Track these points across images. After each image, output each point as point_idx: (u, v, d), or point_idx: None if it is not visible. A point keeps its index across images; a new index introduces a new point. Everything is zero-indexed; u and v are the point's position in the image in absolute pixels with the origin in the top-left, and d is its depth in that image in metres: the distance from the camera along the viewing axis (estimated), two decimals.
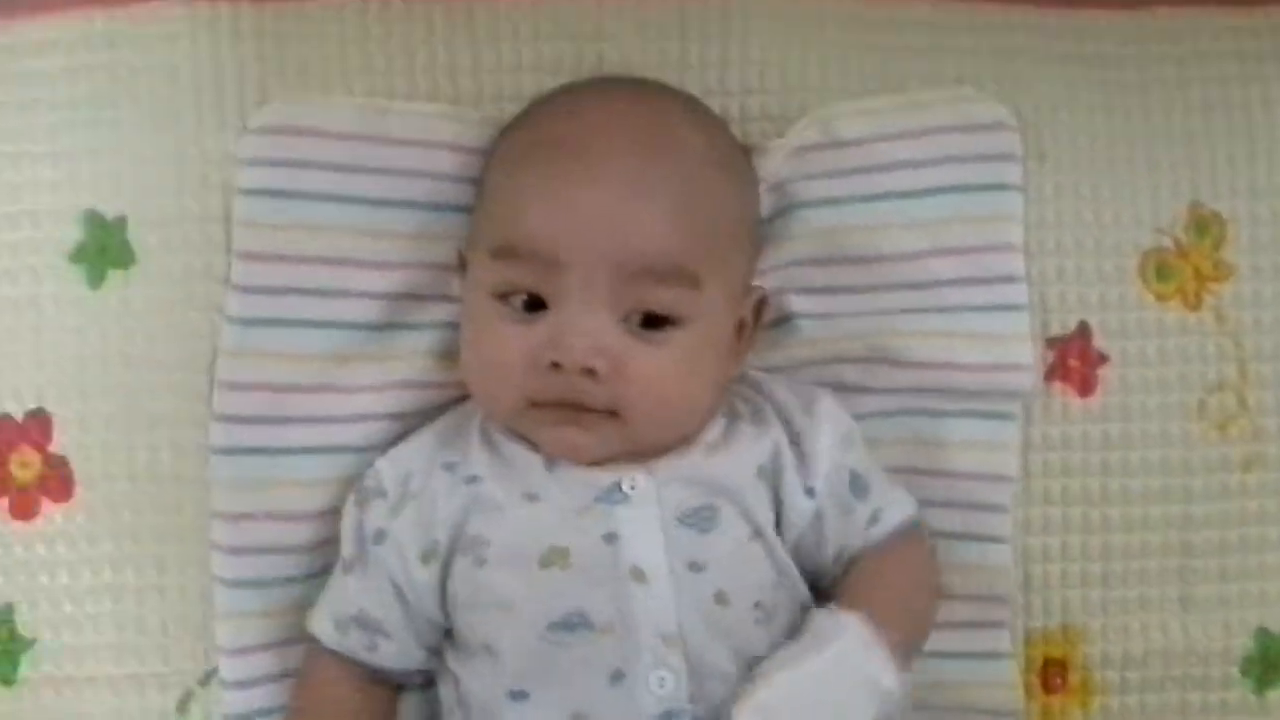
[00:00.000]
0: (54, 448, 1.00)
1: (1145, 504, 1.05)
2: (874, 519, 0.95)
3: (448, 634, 0.93)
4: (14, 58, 1.00)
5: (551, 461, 0.91)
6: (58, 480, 1.00)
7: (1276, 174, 1.06)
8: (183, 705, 1.01)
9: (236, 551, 0.98)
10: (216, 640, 0.99)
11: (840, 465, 0.94)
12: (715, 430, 0.94)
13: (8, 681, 1.00)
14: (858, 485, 0.95)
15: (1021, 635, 1.05)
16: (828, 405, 0.96)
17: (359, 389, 0.99)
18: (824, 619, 0.89)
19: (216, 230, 0.99)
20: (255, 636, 0.98)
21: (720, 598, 0.88)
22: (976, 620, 1.03)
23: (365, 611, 0.92)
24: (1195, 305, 1.06)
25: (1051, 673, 1.05)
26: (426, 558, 0.91)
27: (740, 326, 0.95)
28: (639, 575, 0.87)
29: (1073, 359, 1.05)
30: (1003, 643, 1.04)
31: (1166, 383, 1.05)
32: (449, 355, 0.99)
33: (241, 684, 0.98)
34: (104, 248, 0.99)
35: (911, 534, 0.97)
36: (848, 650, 0.86)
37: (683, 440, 0.92)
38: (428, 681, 0.97)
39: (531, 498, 0.90)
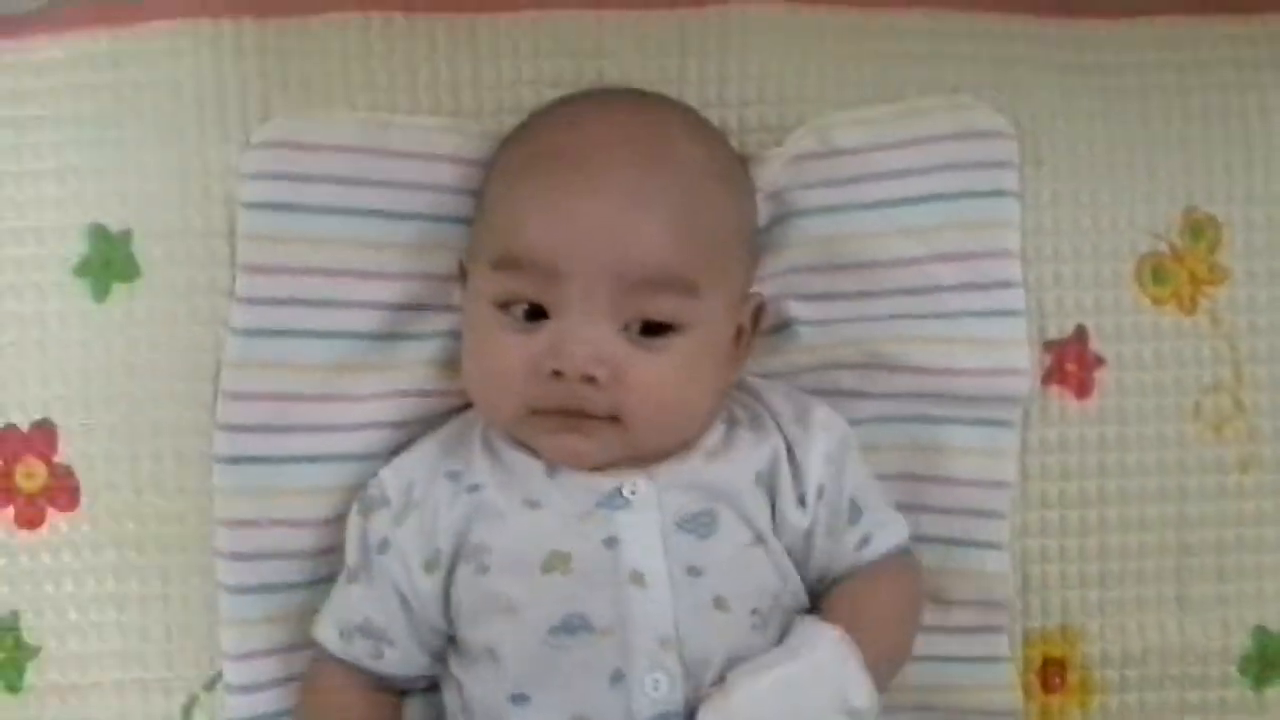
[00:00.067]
0: (59, 458, 1.00)
1: (1142, 505, 1.06)
2: (864, 542, 0.95)
3: (451, 640, 0.93)
4: (19, 76, 1.00)
5: (552, 468, 0.91)
6: (63, 490, 1.00)
7: (1272, 179, 1.07)
8: (187, 710, 1.01)
9: (240, 558, 0.98)
10: (221, 646, 0.99)
11: (835, 486, 0.95)
12: (715, 436, 0.95)
13: (13, 689, 1.01)
14: (852, 509, 0.95)
15: (1020, 635, 1.05)
16: (821, 416, 0.96)
17: (362, 398, 0.99)
18: (805, 628, 0.89)
19: (220, 244, 1.00)
20: (259, 642, 0.99)
21: (719, 603, 0.89)
22: (975, 625, 1.03)
23: (370, 620, 0.93)
24: (1191, 309, 1.06)
25: (1051, 672, 1.06)
26: (430, 566, 0.91)
27: (739, 333, 0.95)
28: (638, 579, 0.88)
29: (1070, 362, 1.05)
30: (1001, 647, 1.04)
31: (1163, 385, 1.06)
32: (450, 364, 1.00)
33: (246, 689, 0.99)
34: (109, 261, 1.00)
35: (901, 560, 0.97)
36: (822, 662, 0.87)
37: (683, 446, 0.93)
38: (432, 685, 0.97)
39: (533, 505, 0.91)
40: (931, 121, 1.03)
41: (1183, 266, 1.06)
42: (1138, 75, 1.07)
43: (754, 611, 0.90)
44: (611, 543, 0.89)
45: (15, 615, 1.01)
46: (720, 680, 0.86)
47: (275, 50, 1.00)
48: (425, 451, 0.96)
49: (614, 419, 0.89)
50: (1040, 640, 1.06)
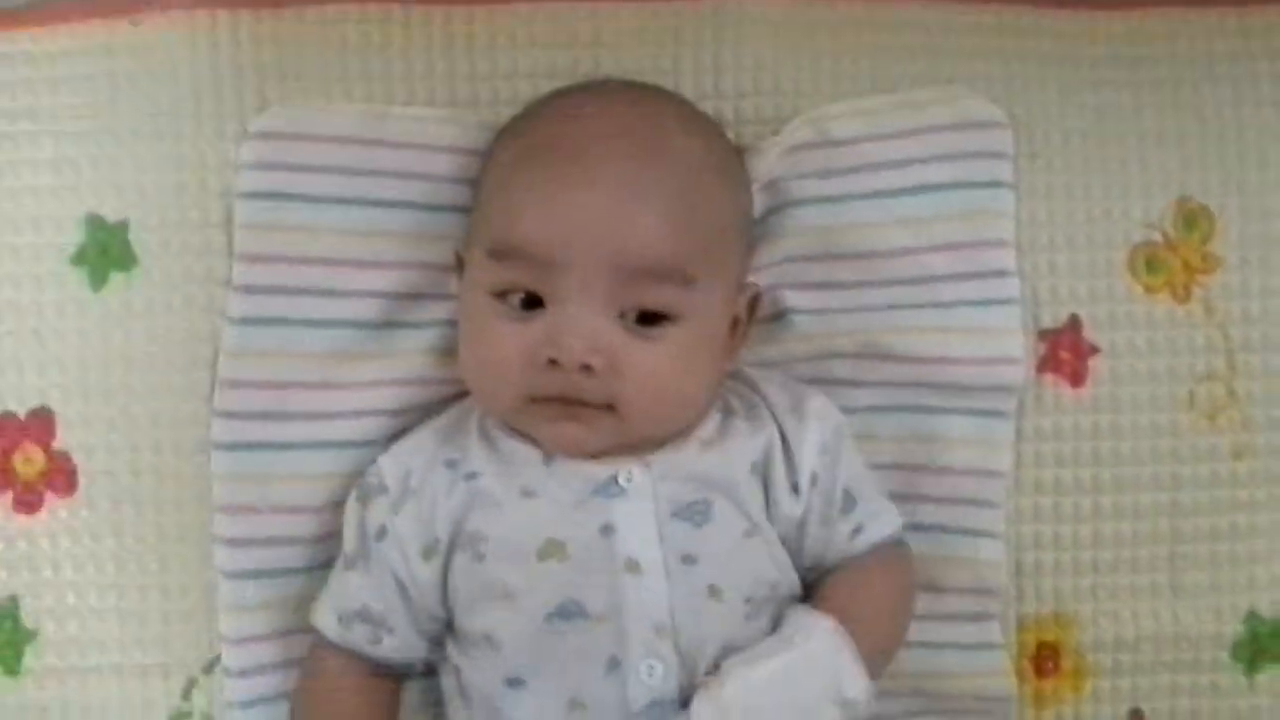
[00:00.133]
0: (57, 444, 1.01)
1: (1136, 492, 1.06)
2: (857, 531, 0.96)
3: (449, 626, 0.94)
4: (15, 66, 1.01)
5: (549, 456, 0.92)
6: (61, 475, 1.01)
7: (1265, 169, 1.07)
8: (186, 694, 1.02)
9: (238, 544, 0.99)
10: (219, 630, 1.00)
11: (829, 475, 0.95)
12: (710, 426, 0.95)
13: (12, 672, 1.01)
14: (846, 499, 0.95)
15: (1014, 621, 1.06)
16: (816, 405, 0.97)
17: (359, 386, 1.00)
18: (799, 617, 0.90)
19: (216, 234, 1.00)
20: (257, 626, 0.99)
21: (714, 591, 0.89)
22: (969, 612, 1.04)
23: (368, 606, 0.93)
24: (1184, 298, 1.06)
25: (1044, 657, 1.06)
26: (428, 554, 0.92)
27: (734, 323, 0.96)
28: (633, 567, 0.88)
29: (1064, 351, 1.05)
30: (995, 634, 1.04)
31: (1156, 374, 1.06)
32: (447, 352, 1.00)
33: (244, 673, 0.99)
34: (105, 250, 1.00)
35: (894, 550, 0.98)
36: (816, 653, 0.87)
37: (678, 435, 0.93)
38: (429, 670, 0.98)
39: (529, 494, 0.91)
40: (927, 112, 1.03)
41: (1176, 256, 1.06)
42: (1132, 67, 1.07)
43: (748, 600, 0.90)
44: (607, 531, 0.89)
45: (14, 599, 1.01)
46: (714, 669, 0.87)
47: (272, 40, 1.00)
48: (423, 440, 0.97)
49: (610, 408, 0.89)
50: (1034, 626, 1.06)
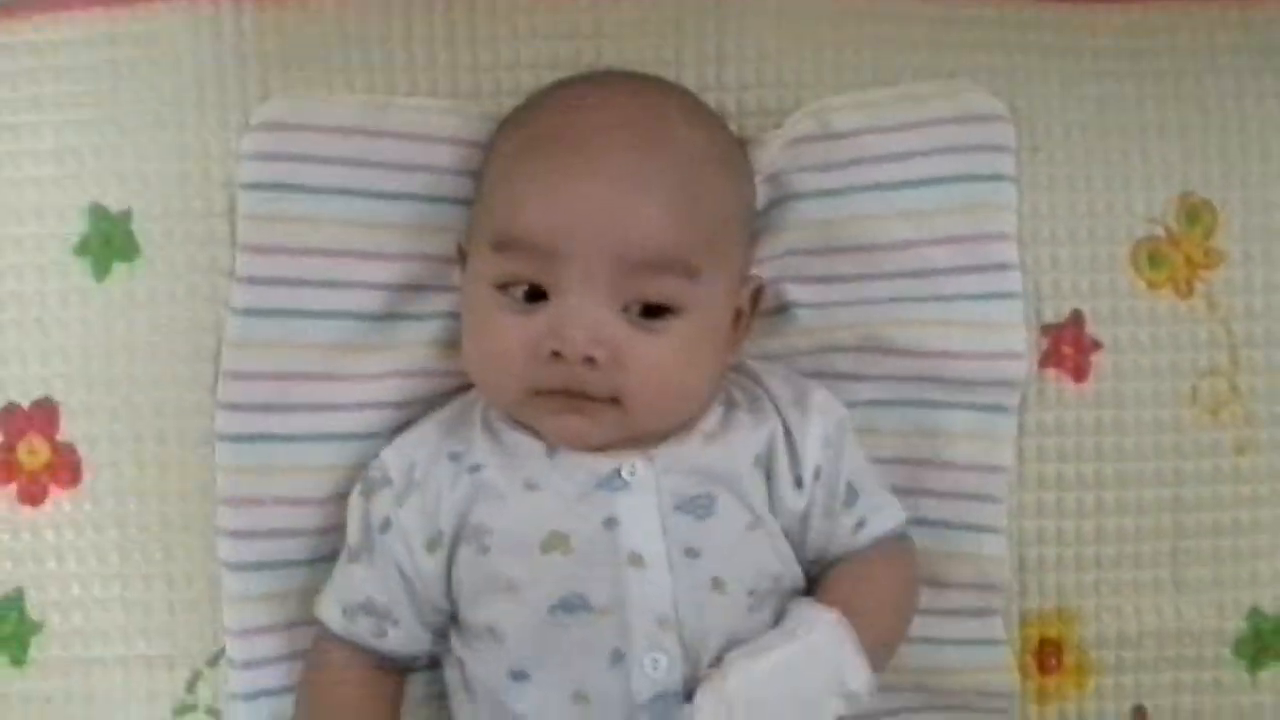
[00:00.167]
0: (61, 436, 1.01)
1: (1139, 488, 1.06)
2: (860, 525, 0.96)
3: (453, 619, 0.94)
4: (19, 55, 1.01)
5: (552, 449, 0.92)
6: (65, 467, 1.01)
7: (1267, 164, 1.07)
8: (191, 685, 1.02)
9: (242, 535, 0.99)
10: (224, 622, 1.00)
11: (832, 469, 0.95)
12: (713, 419, 0.95)
13: (18, 663, 1.02)
14: (849, 492, 0.95)
15: (1017, 616, 1.06)
16: (819, 399, 0.97)
17: (362, 378, 1.00)
18: (802, 610, 0.90)
19: (219, 224, 1.00)
20: (261, 618, 1.00)
21: (717, 584, 0.89)
22: (972, 608, 1.04)
23: (372, 599, 0.93)
24: (1187, 293, 1.06)
25: (1047, 653, 1.07)
26: (432, 546, 0.92)
27: (737, 315, 0.96)
28: (637, 560, 0.88)
29: (1066, 346, 1.05)
30: (997, 629, 1.04)
31: (1159, 369, 1.06)
32: (450, 344, 1.00)
33: (248, 664, 1.00)
34: (109, 240, 1.01)
35: (897, 544, 0.98)
36: (819, 645, 0.87)
37: (681, 428, 0.93)
38: (433, 663, 0.98)
39: (532, 486, 0.91)
40: (929, 105, 1.03)
41: (1179, 251, 1.06)
42: (1134, 60, 1.07)
43: (751, 593, 0.90)
44: (610, 524, 0.89)
45: (19, 591, 1.02)
46: (718, 662, 0.87)
47: (274, 32, 1.01)
48: (426, 432, 0.97)
49: (614, 400, 0.89)
50: (1037, 621, 1.06)
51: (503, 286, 0.90)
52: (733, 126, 1.01)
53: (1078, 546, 1.06)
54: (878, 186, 1.02)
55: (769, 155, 1.01)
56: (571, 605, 0.88)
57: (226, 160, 1.00)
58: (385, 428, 0.99)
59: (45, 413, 1.01)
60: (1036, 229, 1.05)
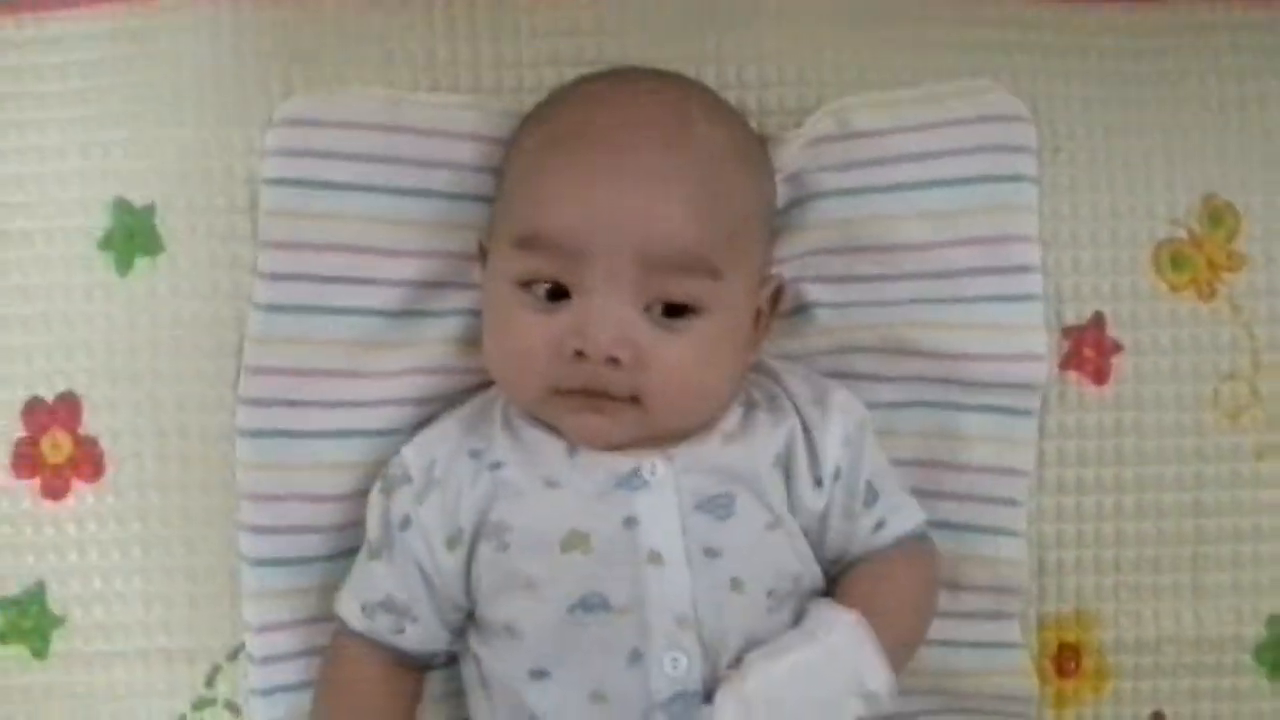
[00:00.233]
0: (84, 430, 1.02)
1: (1159, 492, 1.05)
2: (879, 525, 0.96)
3: (470, 616, 0.94)
4: (45, 51, 1.02)
5: (572, 448, 0.92)
6: (88, 461, 1.02)
7: None
8: (210, 680, 1.03)
9: (262, 531, 0.99)
10: (243, 617, 1.00)
11: (852, 469, 0.95)
12: (733, 419, 0.95)
13: (39, 655, 1.02)
14: (869, 492, 0.95)
15: (1035, 620, 1.05)
16: (839, 399, 0.97)
17: (383, 374, 1.00)
18: (821, 612, 0.90)
19: (242, 220, 1.01)
20: (280, 614, 1.00)
21: (736, 584, 0.89)
22: (990, 611, 1.03)
23: (392, 596, 0.93)
24: (1209, 296, 1.06)
25: (1065, 657, 1.06)
26: (451, 543, 0.92)
27: (757, 315, 0.96)
28: (656, 559, 0.88)
29: (1087, 348, 1.05)
30: (1015, 633, 1.04)
31: (1180, 372, 1.06)
32: (470, 341, 1.00)
33: (267, 660, 1.00)
34: (132, 235, 1.01)
35: (916, 545, 0.98)
36: (839, 646, 0.87)
37: (701, 428, 0.93)
38: (451, 660, 0.98)
39: (553, 484, 0.91)
40: (951, 105, 1.03)
41: (1201, 253, 1.06)
42: (1157, 61, 1.07)
43: (770, 593, 0.90)
44: (630, 523, 0.89)
45: (41, 584, 1.02)
46: (737, 662, 0.87)
47: (297, 27, 1.02)
48: (447, 429, 0.97)
49: (635, 400, 0.89)
50: (1055, 625, 1.06)
51: (525, 284, 0.90)
52: (753, 125, 1.01)
53: (1097, 550, 1.06)
54: (898, 187, 1.02)
55: (789, 154, 1.01)
56: (591, 604, 0.88)
57: (249, 156, 1.01)
58: (405, 424, 0.99)
59: (68, 407, 1.02)
60: (1058, 230, 1.04)
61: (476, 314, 0.99)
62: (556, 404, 0.90)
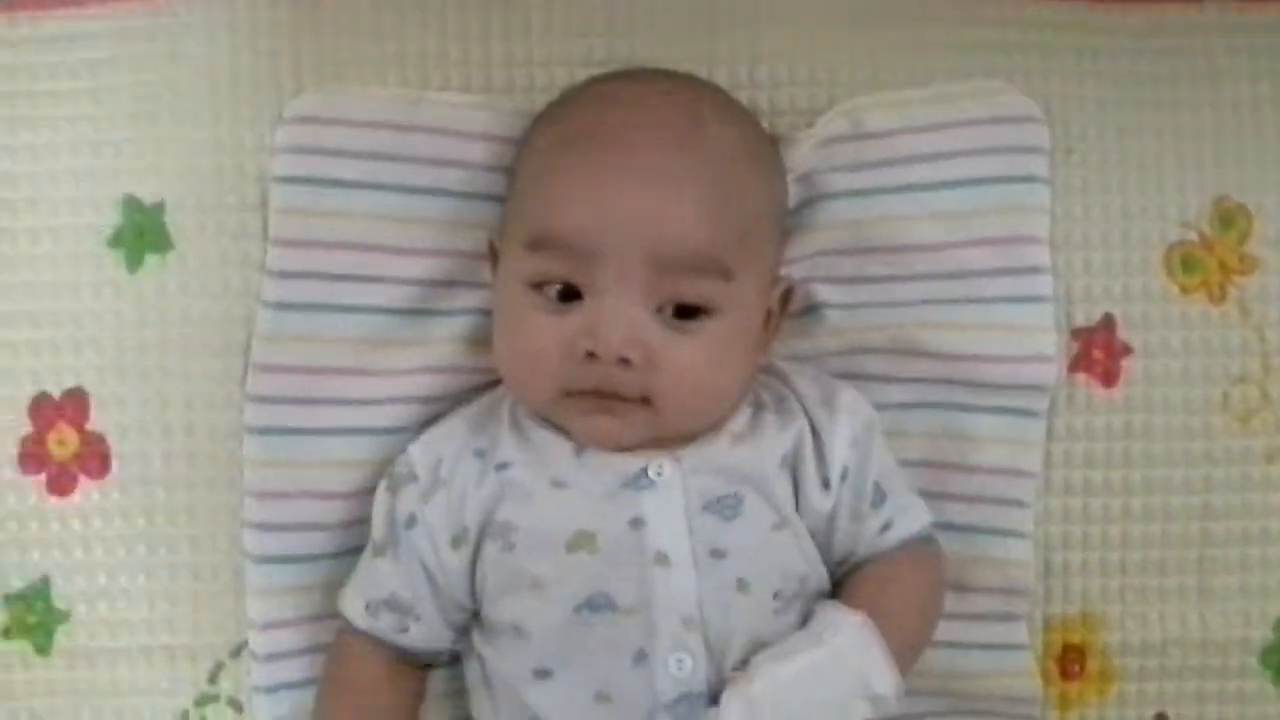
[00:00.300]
0: (91, 426, 1.01)
1: (1167, 494, 1.05)
2: (887, 527, 0.95)
3: (475, 615, 0.94)
4: (55, 49, 1.02)
5: (580, 448, 0.92)
6: (94, 457, 1.02)
7: None
8: (213, 677, 1.03)
9: (267, 528, 0.99)
10: (247, 614, 1.00)
11: (860, 469, 0.95)
12: (741, 420, 0.95)
13: (43, 652, 1.02)
14: (876, 493, 0.95)
15: (1041, 621, 1.05)
16: (847, 399, 0.96)
17: (391, 373, 1.00)
18: (828, 614, 0.90)
19: (252, 218, 1.01)
20: (285, 611, 1.00)
21: (742, 585, 0.89)
22: (996, 612, 1.03)
23: (396, 594, 0.93)
24: (1219, 298, 1.06)
25: (1070, 659, 1.06)
26: (457, 543, 0.92)
27: (767, 316, 0.95)
28: (662, 560, 0.88)
29: (1097, 350, 1.05)
30: (1021, 634, 1.04)
31: (1190, 375, 1.05)
32: (479, 341, 1.00)
33: (271, 657, 1.00)
34: (141, 233, 1.01)
35: (923, 547, 0.97)
36: (845, 648, 0.87)
37: (710, 428, 0.93)
38: (455, 658, 0.98)
39: (560, 484, 0.91)
40: (963, 106, 1.02)
41: (1212, 255, 1.06)
42: (1169, 63, 1.06)
43: (776, 594, 0.90)
44: (637, 523, 0.89)
45: (46, 580, 1.02)
46: (743, 664, 0.87)
47: (308, 25, 1.01)
48: (454, 428, 0.97)
49: (645, 401, 0.89)
50: (1060, 626, 1.06)
51: (536, 286, 0.90)
52: (765, 125, 1.00)
53: (1103, 552, 1.05)
54: (909, 187, 1.01)
55: (800, 154, 1.01)
56: (597, 604, 0.88)
57: (259, 154, 1.00)
58: (413, 423, 0.99)
59: (76, 403, 1.01)
60: (1069, 232, 1.04)
61: (486, 313, 0.99)
62: (567, 405, 0.90)
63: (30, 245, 1.01)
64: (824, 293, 1.02)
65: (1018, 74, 1.04)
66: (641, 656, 0.87)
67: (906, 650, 0.92)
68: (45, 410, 1.01)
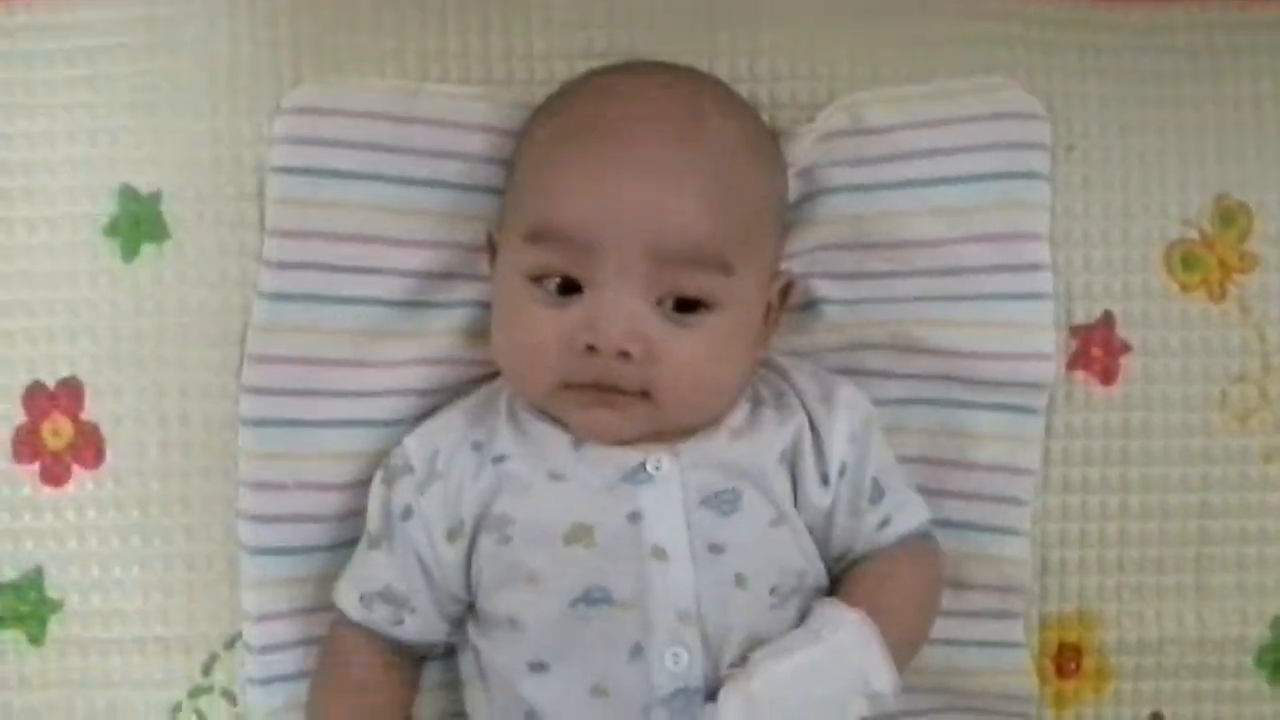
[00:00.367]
0: (85, 415, 1.01)
1: (1164, 493, 1.05)
2: (885, 523, 0.95)
3: (470, 608, 0.94)
4: (52, 36, 1.01)
5: (578, 441, 0.92)
6: (89, 447, 1.01)
7: None
8: (207, 668, 1.02)
9: (262, 520, 0.99)
10: (241, 606, 1.00)
11: (858, 465, 0.94)
12: (740, 415, 0.95)
13: (36, 642, 1.02)
14: (874, 489, 0.95)
15: (1037, 619, 1.05)
16: (846, 395, 0.96)
17: (388, 364, 1.00)
18: (826, 611, 0.89)
19: (249, 208, 1.00)
20: (279, 603, 1.00)
21: (739, 580, 0.89)
22: (992, 610, 1.03)
23: (391, 587, 0.93)
24: (1219, 297, 1.06)
25: (1066, 657, 1.06)
26: (452, 535, 0.92)
27: (767, 310, 0.95)
28: (660, 554, 0.88)
29: (1096, 347, 1.05)
30: (1017, 632, 1.04)
31: (1189, 373, 1.05)
32: (477, 333, 1.00)
33: (265, 649, 1.00)
34: (138, 222, 1.01)
35: (921, 543, 0.97)
36: (844, 645, 0.87)
37: (708, 423, 0.93)
38: (449, 651, 0.98)
39: (557, 477, 0.91)
40: (963, 101, 1.02)
41: (1212, 254, 1.06)
42: (1171, 60, 1.06)
43: (774, 590, 0.90)
44: (635, 517, 0.89)
45: (39, 570, 1.02)
46: (741, 660, 0.87)
47: (307, 15, 1.01)
48: (450, 420, 0.97)
49: (644, 395, 0.89)
50: (1057, 624, 1.06)
51: (536, 278, 0.90)
52: (765, 119, 1.00)
53: (1101, 550, 1.05)
54: (910, 183, 1.01)
55: (801, 149, 1.01)
56: (593, 598, 0.88)
57: (257, 144, 1.00)
58: (410, 415, 0.99)
59: (70, 392, 1.01)
60: (1069, 229, 1.04)
61: (484, 306, 0.99)
62: (566, 398, 0.90)
63: (26, 234, 1.01)
64: (823, 288, 1.02)
65: (1019, 70, 1.04)
66: (638, 650, 0.87)
67: (904, 647, 0.92)
68: (40, 399, 1.01)
